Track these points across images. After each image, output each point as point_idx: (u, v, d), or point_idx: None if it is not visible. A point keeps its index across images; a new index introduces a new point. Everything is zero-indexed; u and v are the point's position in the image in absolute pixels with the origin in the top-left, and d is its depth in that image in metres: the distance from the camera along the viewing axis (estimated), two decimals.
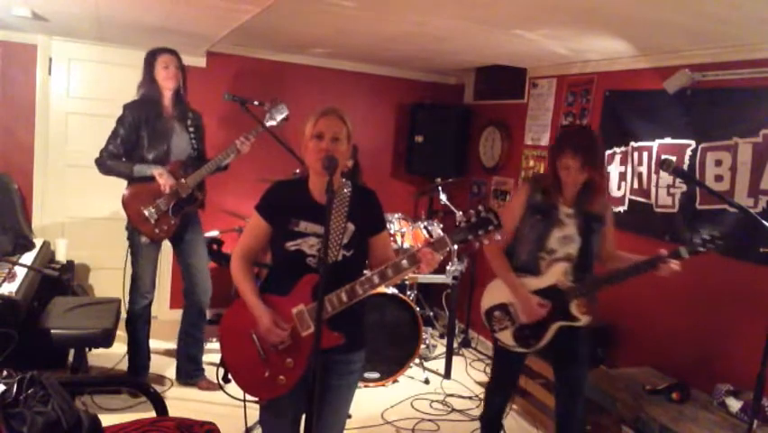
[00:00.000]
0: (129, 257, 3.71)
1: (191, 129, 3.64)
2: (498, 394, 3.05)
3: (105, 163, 3.51)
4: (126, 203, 3.53)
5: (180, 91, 3.61)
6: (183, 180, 3.51)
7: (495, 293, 2.85)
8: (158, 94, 3.55)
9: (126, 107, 3.54)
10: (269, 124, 3.63)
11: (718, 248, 2.54)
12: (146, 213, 3.50)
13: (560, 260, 2.71)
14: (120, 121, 3.52)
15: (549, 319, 2.72)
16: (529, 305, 2.69)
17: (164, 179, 3.45)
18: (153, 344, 3.93)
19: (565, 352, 2.83)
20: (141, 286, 3.67)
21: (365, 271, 2.08)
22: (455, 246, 4.49)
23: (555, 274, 2.70)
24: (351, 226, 2.10)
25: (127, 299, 3.71)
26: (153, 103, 3.54)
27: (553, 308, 2.70)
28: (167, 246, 4.03)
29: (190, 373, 3.87)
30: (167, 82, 3.53)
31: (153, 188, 3.48)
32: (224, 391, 3.21)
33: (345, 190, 2.15)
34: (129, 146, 3.53)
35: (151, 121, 3.51)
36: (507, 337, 2.80)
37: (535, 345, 2.78)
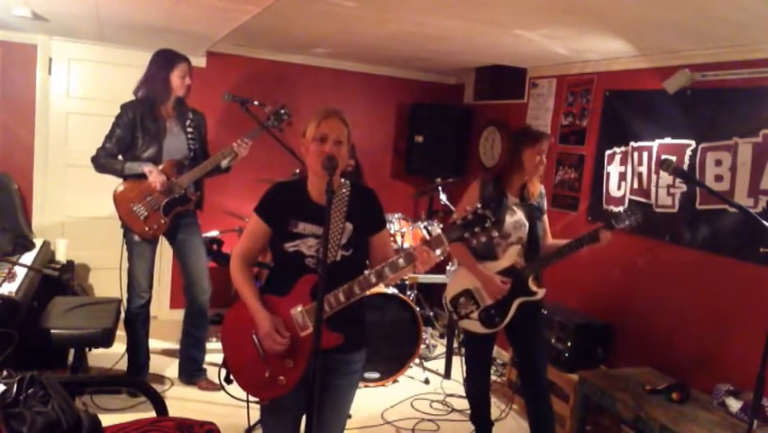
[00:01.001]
0: (126, 255, 3.71)
1: (189, 130, 3.64)
2: (474, 382, 3.22)
3: (100, 161, 3.54)
4: (117, 199, 3.54)
5: (183, 96, 3.63)
6: (175, 179, 3.52)
7: (458, 281, 3.11)
8: (165, 96, 3.55)
9: (124, 107, 3.54)
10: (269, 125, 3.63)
11: (635, 221, 2.89)
12: (135, 209, 3.50)
13: (513, 244, 2.99)
14: (117, 120, 3.53)
15: (511, 296, 2.98)
16: (494, 283, 2.94)
17: (154, 176, 3.45)
18: (153, 343, 3.93)
19: (526, 326, 3.06)
20: (136, 285, 3.67)
21: (365, 271, 2.08)
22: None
23: (511, 256, 2.99)
24: (349, 226, 2.10)
25: (125, 297, 3.72)
26: (153, 103, 3.54)
27: (513, 285, 2.96)
28: (168, 246, 4.03)
29: (191, 372, 3.88)
30: (179, 90, 3.56)
31: (146, 185, 3.49)
32: (226, 392, 3.22)
33: (344, 190, 2.15)
34: (125, 145, 3.54)
35: (147, 121, 3.52)
36: (473, 321, 3.04)
37: (500, 323, 3.01)
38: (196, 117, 3.70)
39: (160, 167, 3.51)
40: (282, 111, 3.63)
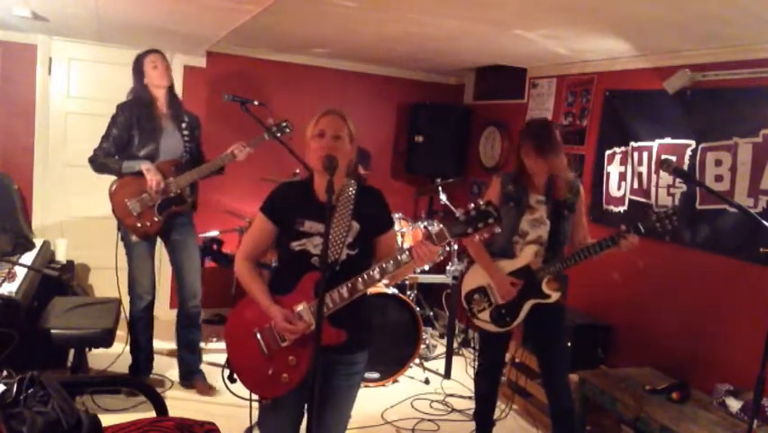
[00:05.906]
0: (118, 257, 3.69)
1: (185, 131, 3.64)
2: (484, 378, 3.17)
3: (98, 161, 3.54)
4: (112, 194, 3.54)
5: (173, 89, 3.63)
6: (172, 179, 3.52)
7: (474, 277, 3.03)
8: (149, 95, 3.57)
9: (119, 107, 3.57)
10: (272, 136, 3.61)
11: (673, 228, 2.70)
12: (129, 205, 3.49)
13: (531, 242, 2.90)
14: (113, 120, 3.55)
15: (523, 297, 2.91)
16: (503, 285, 2.89)
17: (151, 174, 3.45)
18: (154, 344, 3.90)
19: (544, 333, 3.01)
20: (137, 287, 3.66)
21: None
22: (454, 244, 4.50)
23: (527, 256, 2.90)
24: (355, 225, 2.10)
25: (127, 300, 3.69)
26: (146, 102, 3.56)
27: (526, 286, 2.89)
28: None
29: (185, 375, 3.86)
30: (159, 81, 3.56)
31: (142, 182, 3.48)
32: (230, 391, 3.24)
33: (350, 189, 2.15)
34: (121, 145, 3.55)
35: (143, 120, 3.53)
36: (485, 318, 2.98)
37: (511, 324, 2.96)
38: (191, 119, 3.71)
39: (156, 165, 3.50)
40: (284, 124, 3.62)
